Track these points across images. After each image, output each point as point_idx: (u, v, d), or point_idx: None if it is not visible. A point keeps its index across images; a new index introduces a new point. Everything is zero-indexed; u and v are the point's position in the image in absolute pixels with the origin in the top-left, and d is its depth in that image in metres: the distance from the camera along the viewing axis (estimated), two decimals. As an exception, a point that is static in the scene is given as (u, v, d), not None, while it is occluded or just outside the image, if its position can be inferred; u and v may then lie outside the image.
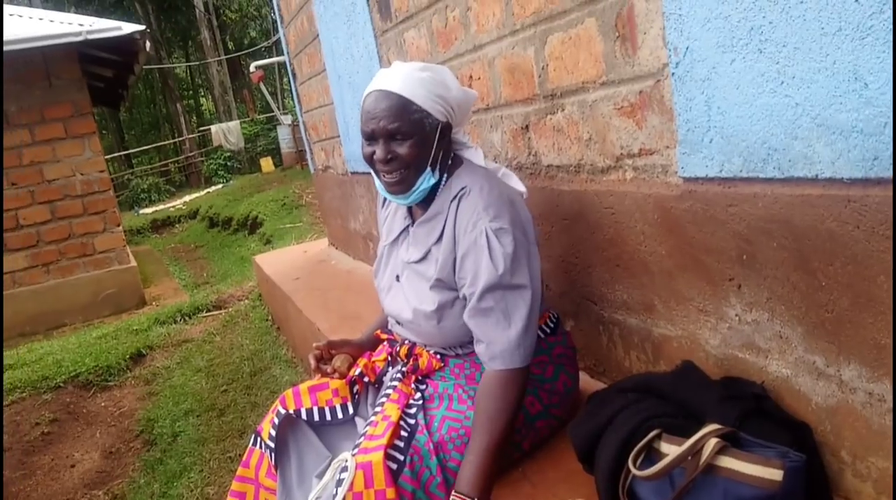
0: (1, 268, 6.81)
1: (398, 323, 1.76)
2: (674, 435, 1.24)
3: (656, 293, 1.65)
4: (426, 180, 1.60)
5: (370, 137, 1.58)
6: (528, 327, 1.50)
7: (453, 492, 1.42)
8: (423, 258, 1.65)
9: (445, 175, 1.65)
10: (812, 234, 1.19)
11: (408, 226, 1.73)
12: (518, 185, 1.68)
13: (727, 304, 1.44)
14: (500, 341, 1.49)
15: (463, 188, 1.59)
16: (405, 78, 1.54)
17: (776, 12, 1.15)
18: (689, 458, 1.17)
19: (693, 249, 1.49)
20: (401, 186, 1.60)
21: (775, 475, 1.09)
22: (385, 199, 1.84)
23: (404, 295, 1.70)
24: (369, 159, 1.60)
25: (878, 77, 1.01)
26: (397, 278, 1.74)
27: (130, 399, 4.21)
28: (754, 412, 1.27)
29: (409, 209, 1.73)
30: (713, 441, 1.16)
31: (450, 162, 1.67)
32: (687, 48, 1.36)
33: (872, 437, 1.18)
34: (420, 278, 1.65)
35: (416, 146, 1.55)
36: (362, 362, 1.80)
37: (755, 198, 1.30)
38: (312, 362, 1.83)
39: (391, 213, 1.83)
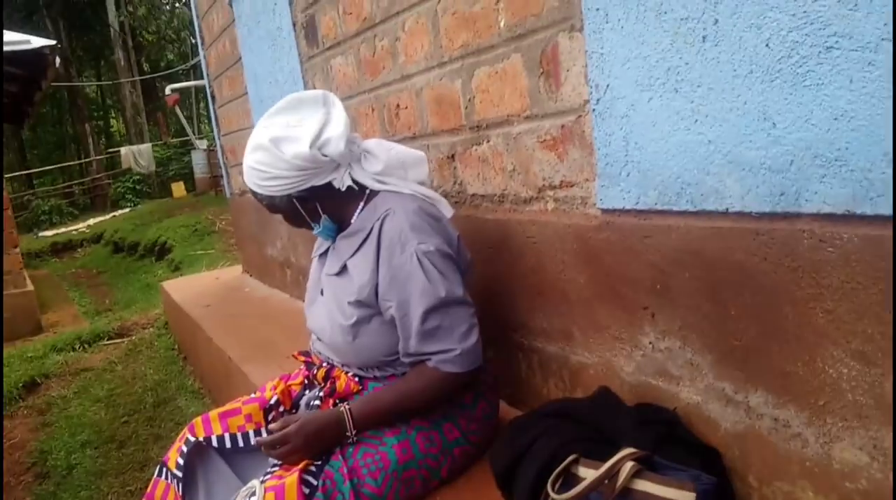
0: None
1: (318, 340, 1.75)
2: (591, 459, 1.26)
3: (575, 321, 1.69)
4: (322, 226, 1.69)
5: None
6: (472, 336, 1.55)
7: (345, 406, 1.54)
8: (340, 272, 1.67)
9: (363, 201, 1.67)
10: (722, 265, 1.25)
11: (333, 241, 1.74)
12: (446, 210, 1.70)
13: (642, 332, 1.49)
14: (450, 352, 1.53)
15: (388, 209, 1.61)
16: (247, 171, 1.63)
17: (692, 54, 1.21)
18: (606, 481, 1.19)
19: (610, 278, 1.54)
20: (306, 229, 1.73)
21: (688, 497, 1.12)
22: None
23: (326, 308, 1.69)
24: None
25: (785, 117, 1.08)
26: (322, 292, 1.74)
27: (22, 430, 3.94)
28: (667, 437, 1.30)
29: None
30: (629, 465, 1.18)
31: (368, 191, 1.68)
32: (607, 86, 1.42)
33: (778, 462, 1.24)
34: (340, 290, 1.66)
35: (289, 216, 1.70)
36: (279, 387, 1.75)
37: (669, 230, 1.35)
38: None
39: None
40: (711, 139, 1.22)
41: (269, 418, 1.73)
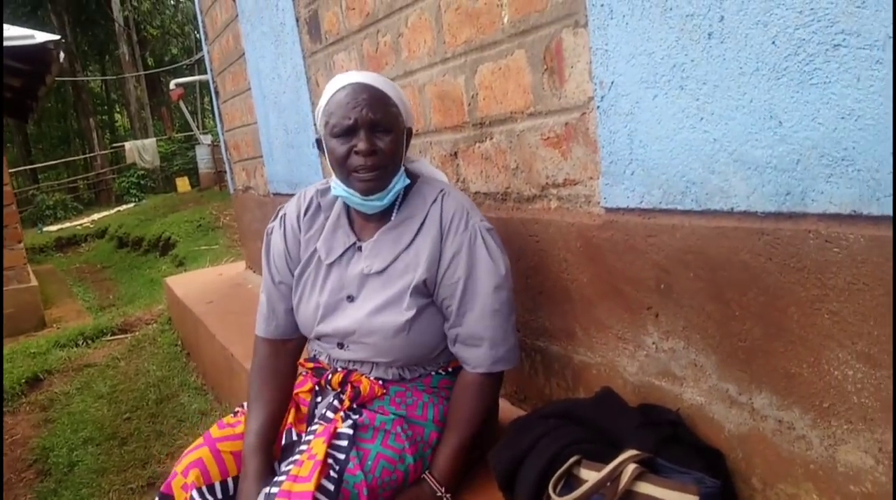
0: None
1: (339, 347, 1.61)
2: (593, 461, 1.25)
3: (577, 321, 1.68)
4: (400, 181, 1.56)
5: (349, 130, 1.48)
6: (513, 333, 1.58)
7: (426, 473, 1.51)
8: (388, 267, 1.56)
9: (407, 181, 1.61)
10: (727, 265, 1.24)
11: (354, 243, 1.61)
12: None
13: (645, 332, 1.47)
14: (504, 342, 1.54)
15: (441, 191, 1.59)
16: (377, 78, 1.54)
17: (698, 51, 1.20)
18: (608, 484, 1.18)
19: (613, 277, 1.52)
20: (378, 183, 1.51)
21: (691, 500, 1.11)
22: (300, 220, 1.69)
23: (362, 311, 1.57)
24: (345, 158, 1.50)
25: (792, 116, 1.07)
26: (349, 297, 1.59)
27: (24, 426, 3.94)
28: (670, 439, 1.29)
29: (352, 226, 1.63)
30: (631, 467, 1.17)
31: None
32: (612, 83, 1.40)
33: (782, 464, 1.22)
34: (389, 286, 1.56)
35: (394, 142, 1.52)
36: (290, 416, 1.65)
37: (673, 229, 1.34)
38: None
39: (318, 234, 1.66)
40: (717, 138, 1.20)
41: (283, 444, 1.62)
